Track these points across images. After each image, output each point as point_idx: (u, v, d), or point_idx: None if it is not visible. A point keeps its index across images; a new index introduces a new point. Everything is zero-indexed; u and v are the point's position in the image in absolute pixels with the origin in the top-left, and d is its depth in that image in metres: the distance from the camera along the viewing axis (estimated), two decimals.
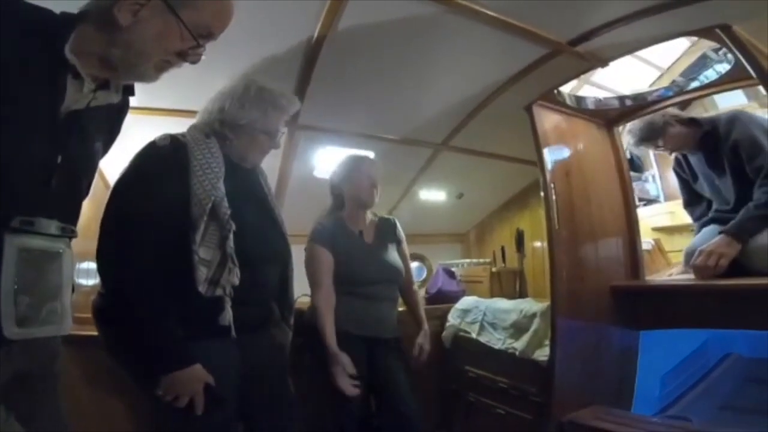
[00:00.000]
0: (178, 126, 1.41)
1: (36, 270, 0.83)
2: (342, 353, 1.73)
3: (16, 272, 0.79)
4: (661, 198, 3.25)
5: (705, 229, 2.08)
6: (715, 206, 2.10)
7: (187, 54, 0.95)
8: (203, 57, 0.97)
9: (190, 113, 1.61)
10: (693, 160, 2.16)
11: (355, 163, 2.03)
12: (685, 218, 2.65)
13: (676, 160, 2.27)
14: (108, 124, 1.04)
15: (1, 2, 0.80)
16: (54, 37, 0.84)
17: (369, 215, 2.04)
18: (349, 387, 1.71)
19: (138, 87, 1.02)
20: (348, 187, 2.00)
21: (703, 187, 2.16)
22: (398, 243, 2.09)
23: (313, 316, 1.85)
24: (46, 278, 0.85)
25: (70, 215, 0.94)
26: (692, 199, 2.26)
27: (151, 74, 0.94)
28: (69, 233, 0.91)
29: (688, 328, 2.09)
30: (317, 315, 1.80)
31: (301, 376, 1.70)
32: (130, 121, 1.13)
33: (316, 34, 1.78)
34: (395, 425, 1.85)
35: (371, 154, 2.13)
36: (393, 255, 2.03)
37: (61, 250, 0.89)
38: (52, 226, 0.86)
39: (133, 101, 1.08)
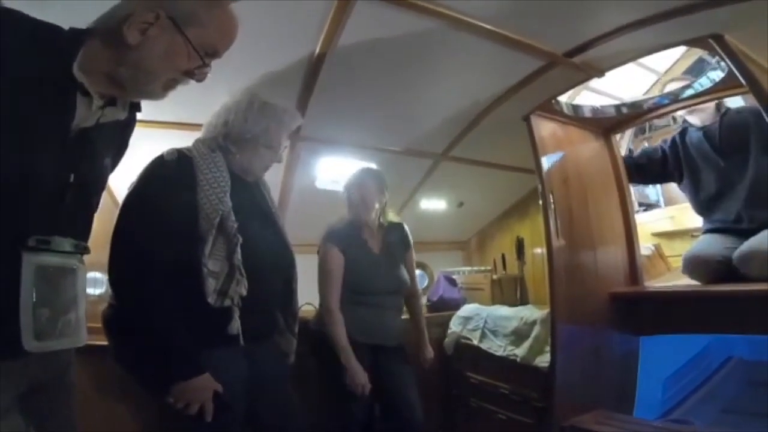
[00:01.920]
0: (182, 139, 1.43)
1: (52, 286, 0.84)
2: (359, 369, 1.80)
3: (34, 289, 0.80)
4: (662, 203, 3.24)
5: (705, 237, 2.11)
6: (705, 187, 2.15)
7: (194, 73, 0.96)
8: (208, 75, 0.98)
9: (194, 126, 1.64)
10: (695, 143, 2.18)
11: (350, 177, 2.07)
12: (685, 223, 2.67)
13: (672, 140, 2.29)
14: (115, 140, 1.04)
15: (10, 19, 0.80)
16: (62, 55, 0.84)
17: (377, 223, 2.06)
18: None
19: (143, 101, 1.02)
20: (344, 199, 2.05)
21: (693, 170, 2.18)
22: (406, 248, 2.12)
23: (320, 321, 1.88)
24: (62, 293, 0.87)
25: (83, 232, 0.95)
26: (649, 169, 2.39)
27: (158, 93, 0.95)
28: (82, 250, 0.93)
29: (688, 333, 2.10)
30: (331, 322, 1.84)
31: (306, 382, 1.72)
32: (135, 134, 1.13)
33: (318, 48, 1.81)
34: (399, 431, 1.87)
35: (372, 166, 2.16)
36: (399, 265, 2.05)
37: (75, 267, 0.90)
38: (67, 244, 0.87)
39: (137, 114, 1.08)
